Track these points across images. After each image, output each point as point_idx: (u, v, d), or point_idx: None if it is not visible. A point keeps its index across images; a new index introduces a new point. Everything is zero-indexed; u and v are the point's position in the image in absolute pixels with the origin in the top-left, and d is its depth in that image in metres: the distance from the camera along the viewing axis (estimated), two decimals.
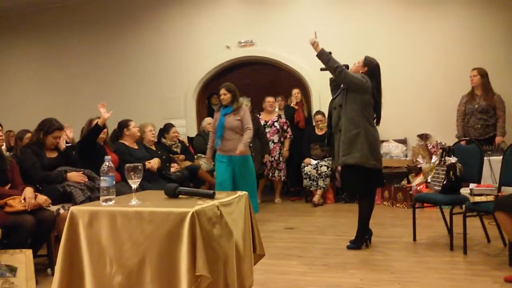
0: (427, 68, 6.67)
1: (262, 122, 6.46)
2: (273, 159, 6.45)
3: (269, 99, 6.61)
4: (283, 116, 6.67)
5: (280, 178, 6.55)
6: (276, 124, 6.51)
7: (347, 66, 3.91)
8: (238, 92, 5.06)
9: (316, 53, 3.82)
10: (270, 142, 6.42)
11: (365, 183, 3.86)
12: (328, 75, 4.06)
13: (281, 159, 6.51)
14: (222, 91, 4.97)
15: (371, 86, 3.83)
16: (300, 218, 5.42)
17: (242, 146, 4.78)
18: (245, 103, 5.69)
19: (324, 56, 3.78)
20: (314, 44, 3.81)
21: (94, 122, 4.28)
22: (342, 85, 3.93)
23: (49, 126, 3.86)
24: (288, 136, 6.56)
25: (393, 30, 6.83)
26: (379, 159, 3.91)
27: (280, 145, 6.52)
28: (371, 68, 3.89)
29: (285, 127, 6.55)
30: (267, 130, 6.45)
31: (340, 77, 3.80)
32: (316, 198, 6.19)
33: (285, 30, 7.22)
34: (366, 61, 3.93)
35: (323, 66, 3.90)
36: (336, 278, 3.16)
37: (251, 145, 5.32)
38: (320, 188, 6.22)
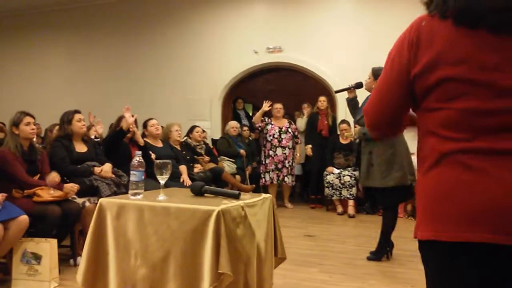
0: None
1: (277, 129, 6.52)
2: (288, 164, 6.50)
3: (277, 105, 6.68)
4: (293, 122, 6.85)
5: (291, 183, 6.66)
6: (289, 130, 6.60)
7: (361, 83, 3.99)
8: None
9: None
10: (285, 148, 6.49)
11: (397, 197, 3.84)
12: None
13: (294, 164, 6.63)
14: None
15: None
16: (320, 226, 5.39)
17: None
18: None
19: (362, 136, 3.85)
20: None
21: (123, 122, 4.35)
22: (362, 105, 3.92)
23: (68, 115, 3.96)
24: (299, 142, 6.74)
25: None
26: (413, 172, 3.88)
27: (293, 150, 6.62)
28: None
29: (296, 133, 6.70)
30: (282, 136, 6.51)
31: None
32: (350, 210, 6.08)
33: (314, 38, 7.22)
34: (375, 73, 3.91)
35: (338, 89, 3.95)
36: None
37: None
38: (350, 199, 6.12)
